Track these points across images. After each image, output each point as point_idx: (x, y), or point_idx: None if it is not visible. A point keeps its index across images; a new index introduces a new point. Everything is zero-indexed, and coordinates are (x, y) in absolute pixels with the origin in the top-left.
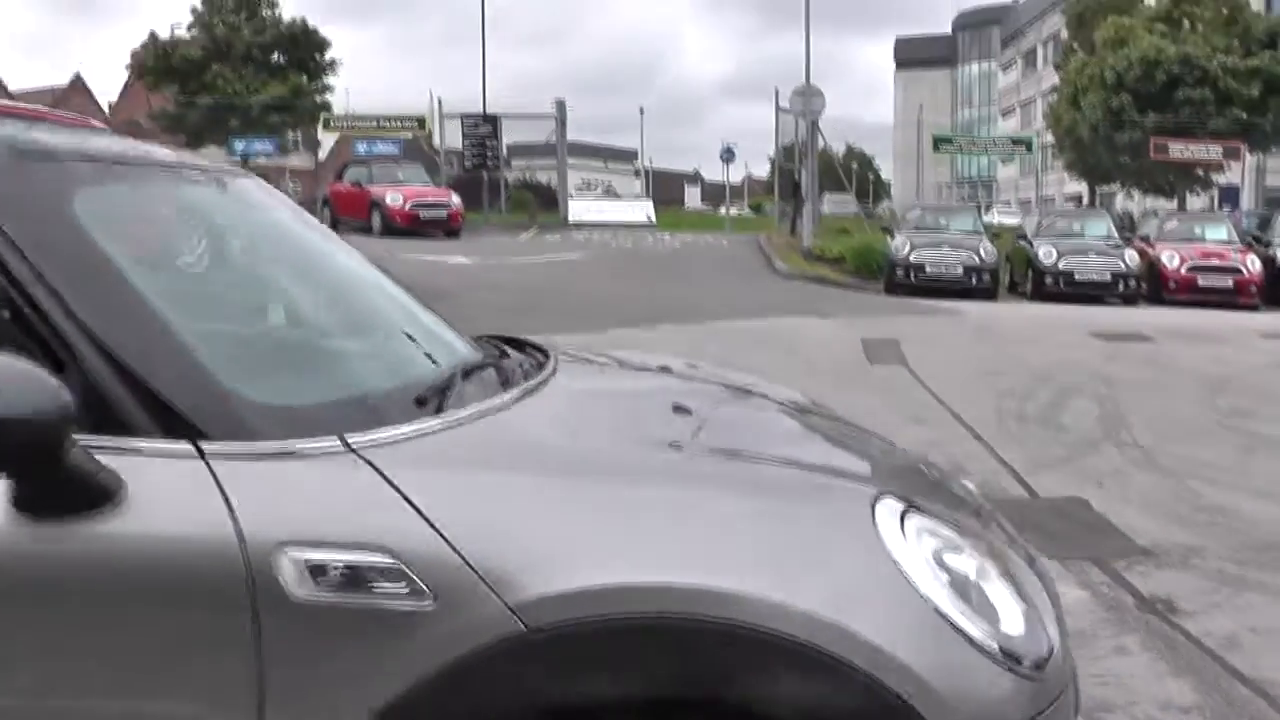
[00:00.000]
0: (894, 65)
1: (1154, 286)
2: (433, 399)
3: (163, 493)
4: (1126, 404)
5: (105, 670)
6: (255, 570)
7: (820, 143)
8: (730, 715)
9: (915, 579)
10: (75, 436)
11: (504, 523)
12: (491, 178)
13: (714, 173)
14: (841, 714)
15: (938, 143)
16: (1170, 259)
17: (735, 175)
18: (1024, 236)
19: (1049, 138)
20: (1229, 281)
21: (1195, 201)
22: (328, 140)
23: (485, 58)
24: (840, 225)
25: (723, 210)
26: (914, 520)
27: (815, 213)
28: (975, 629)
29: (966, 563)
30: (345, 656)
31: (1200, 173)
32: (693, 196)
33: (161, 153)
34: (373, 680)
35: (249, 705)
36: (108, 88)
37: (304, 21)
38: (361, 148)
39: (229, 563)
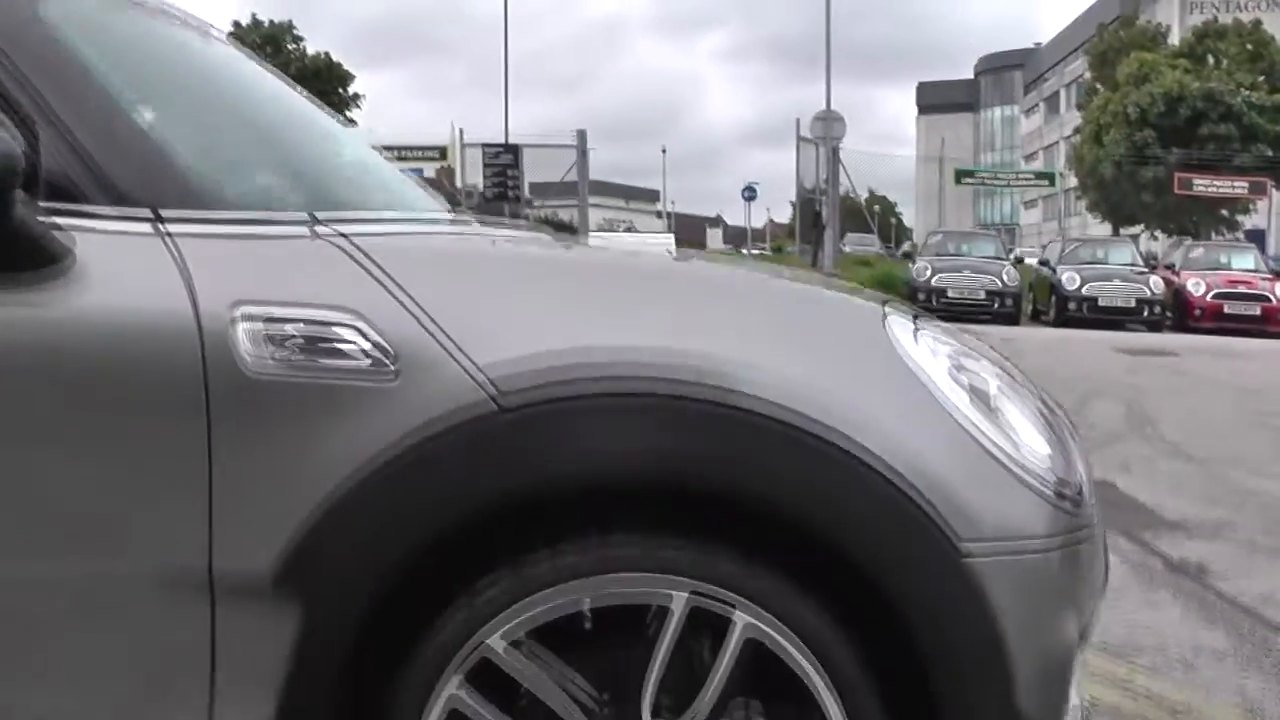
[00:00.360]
0: (916, 110)
1: (1180, 314)
2: (411, 210)
3: (117, 260)
4: (1152, 406)
5: (44, 449)
6: (209, 340)
7: (843, 181)
8: (720, 508)
9: (933, 384)
10: (26, 200)
11: (478, 297)
12: (512, 210)
13: (736, 217)
14: (849, 515)
15: (960, 176)
16: (1196, 286)
17: (757, 219)
18: (1047, 263)
19: (1072, 181)
20: (1256, 309)
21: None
22: None
23: (508, 85)
24: (862, 260)
25: (744, 250)
26: (927, 333)
27: (836, 241)
28: (998, 443)
29: (986, 380)
30: (299, 437)
31: (1225, 214)
32: (714, 239)
33: None
34: (327, 462)
35: (198, 490)
36: None
37: (328, 56)
38: None
39: (182, 332)
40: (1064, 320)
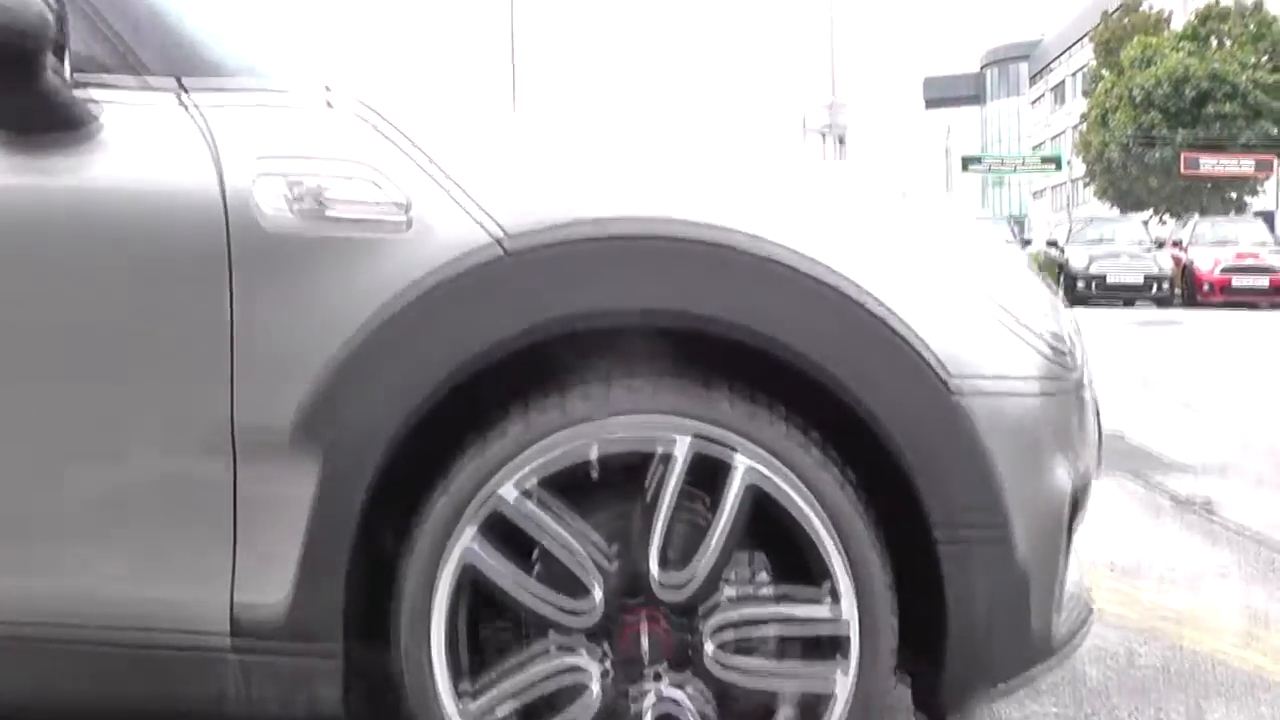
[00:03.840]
0: (923, 104)
1: (1189, 290)
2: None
3: (142, 126)
4: (1162, 367)
5: (70, 310)
6: (230, 199)
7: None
8: (719, 348)
9: (924, 232)
10: (56, 66)
11: (489, 152)
12: None
13: None
14: (842, 351)
15: (966, 163)
16: (1204, 261)
17: None
18: (1055, 243)
19: (1079, 169)
20: (1265, 281)
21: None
22: None
23: (514, 95)
24: None
25: None
26: (913, 193)
27: None
28: (991, 288)
29: (979, 234)
30: (316, 290)
31: (1233, 196)
32: None
33: None
34: (343, 314)
35: (219, 348)
36: None
37: None
38: None
39: (205, 193)
40: (1073, 299)
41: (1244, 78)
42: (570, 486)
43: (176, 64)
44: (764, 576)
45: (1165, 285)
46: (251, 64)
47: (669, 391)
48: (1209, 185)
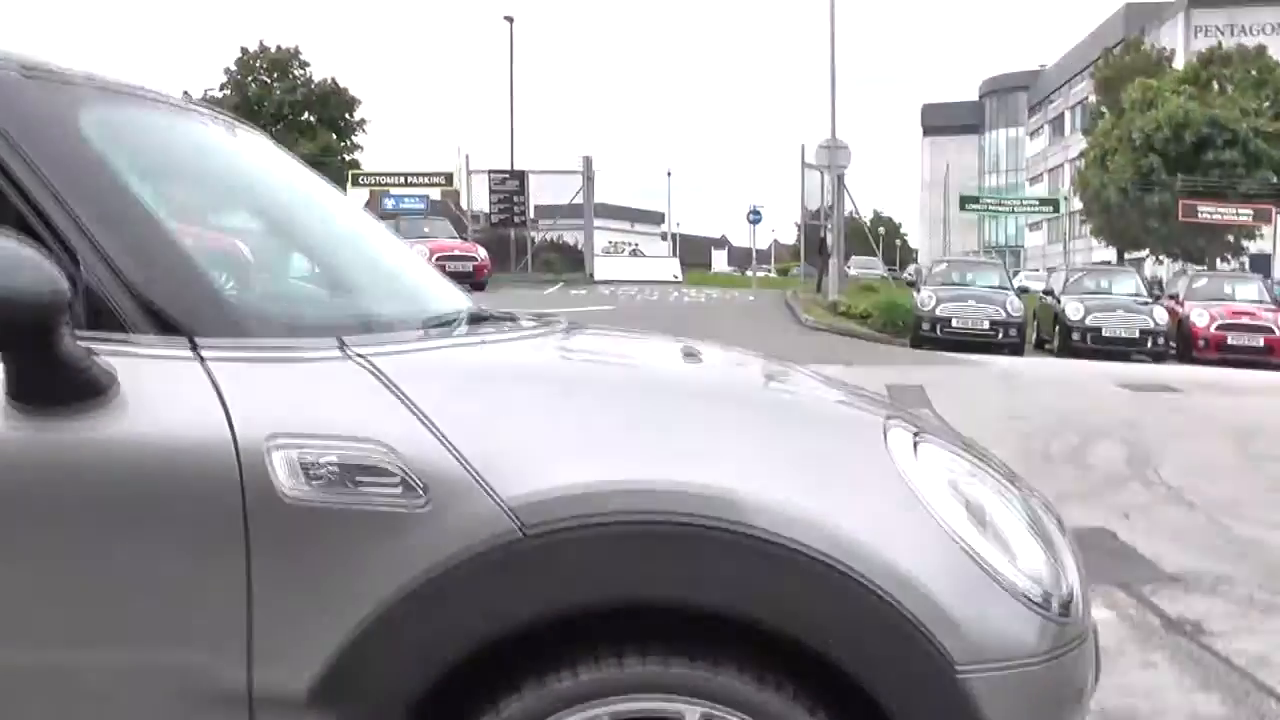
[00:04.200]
0: (921, 132)
1: (1183, 345)
2: (437, 327)
3: (157, 389)
4: (1153, 446)
5: (91, 572)
6: (247, 467)
7: (847, 204)
8: (731, 627)
9: (930, 502)
10: (72, 331)
11: (503, 425)
12: (518, 235)
13: (741, 239)
14: (851, 634)
15: (964, 202)
16: (1200, 317)
17: (762, 240)
18: (1050, 293)
19: (1077, 203)
20: (1260, 340)
21: (1225, 269)
22: (358, 198)
23: (513, 113)
24: (868, 286)
25: (749, 272)
26: (927, 447)
27: (841, 268)
28: (993, 558)
29: (983, 494)
30: (335, 560)
31: (1230, 239)
32: (719, 260)
33: (175, 96)
34: (362, 585)
35: (237, 610)
36: None
37: (334, 81)
38: (389, 203)
39: (221, 460)
40: (1068, 350)
41: (1244, 125)
42: None
43: (192, 321)
44: None
45: (1160, 340)
46: (267, 317)
47: (680, 668)
48: (1207, 227)
